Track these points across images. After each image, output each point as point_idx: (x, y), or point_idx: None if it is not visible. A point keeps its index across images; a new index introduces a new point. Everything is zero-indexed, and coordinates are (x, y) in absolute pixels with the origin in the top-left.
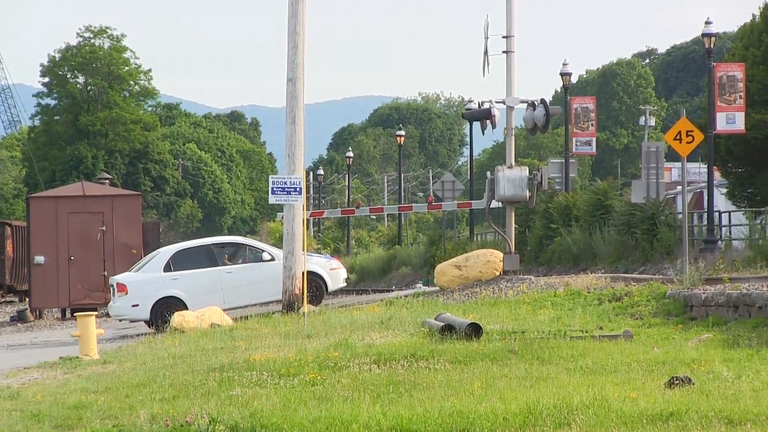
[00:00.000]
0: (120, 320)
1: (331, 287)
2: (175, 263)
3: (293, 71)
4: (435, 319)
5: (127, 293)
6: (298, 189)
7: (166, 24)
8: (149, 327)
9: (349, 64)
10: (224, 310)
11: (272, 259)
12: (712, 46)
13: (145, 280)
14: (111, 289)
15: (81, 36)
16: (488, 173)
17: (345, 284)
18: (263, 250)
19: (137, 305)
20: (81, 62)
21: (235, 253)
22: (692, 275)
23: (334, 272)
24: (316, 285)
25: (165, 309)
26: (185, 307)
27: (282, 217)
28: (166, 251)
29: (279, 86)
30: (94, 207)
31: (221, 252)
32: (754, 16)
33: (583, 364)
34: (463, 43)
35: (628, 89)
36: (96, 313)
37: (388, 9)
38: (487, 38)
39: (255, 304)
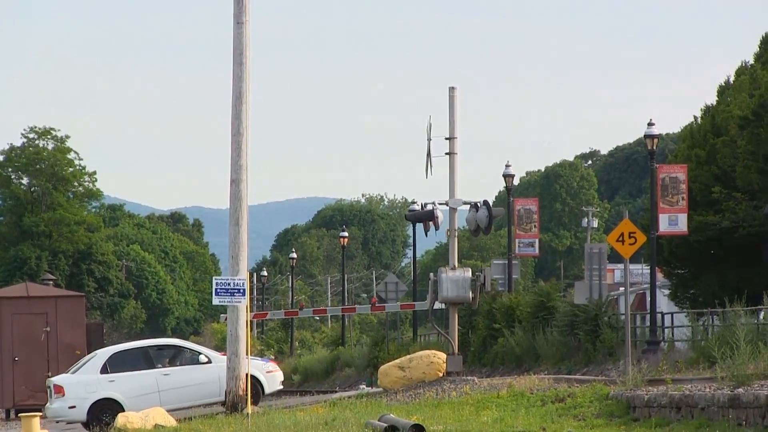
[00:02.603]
0: (57, 422)
1: (267, 390)
2: (112, 365)
3: (237, 173)
4: (378, 420)
5: (64, 395)
6: (241, 290)
7: (109, 125)
8: (87, 429)
9: (292, 165)
10: None
11: (209, 362)
12: (654, 147)
13: (82, 381)
14: (48, 390)
15: (25, 137)
16: (431, 274)
17: (281, 387)
18: (200, 353)
19: (74, 407)
20: (25, 163)
21: (172, 356)
22: (635, 376)
23: (271, 375)
24: (252, 387)
25: (102, 411)
26: (122, 409)
27: (226, 319)
28: (103, 353)
29: (222, 187)
30: (38, 308)
31: (158, 354)
32: (696, 117)
33: None
34: (407, 145)
35: (571, 190)
36: (40, 413)
37: (330, 110)
38: (429, 140)
39: (192, 407)
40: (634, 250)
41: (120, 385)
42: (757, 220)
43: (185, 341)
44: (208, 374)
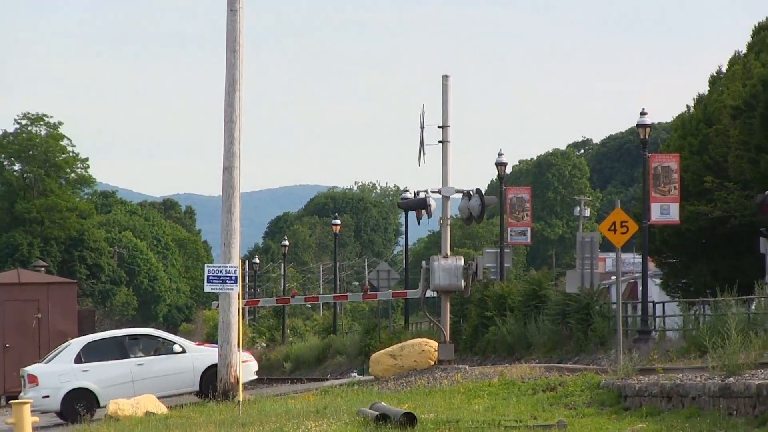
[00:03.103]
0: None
1: (241, 379)
2: (86, 355)
3: (229, 160)
4: (370, 408)
5: (37, 384)
6: (233, 278)
7: (102, 111)
8: (61, 419)
9: (285, 152)
10: None
11: (183, 351)
12: (647, 136)
13: (56, 371)
14: (22, 380)
15: (18, 123)
16: (423, 263)
17: (255, 377)
18: (174, 342)
19: (48, 396)
20: (17, 149)
21: (147, 345)
22: (626, 365)
23: (245, 365)
24: None
25: (76, 400)
26: (96, 399)
27: (217, 306)
28: (77, 342)
29: (214, 175)
30: (29, 294)
31: (132, 344)
32: (688, 107)
33: None
34: (399, 133)
35: (563, 179)
36: (31, 400)
37: (323, 97)
38: (423, 128)
39: (167, 396)
40: (626, 239)
41: (94, 375)
42: (748, 210)
43: (159, 331)
44: (182, 364)
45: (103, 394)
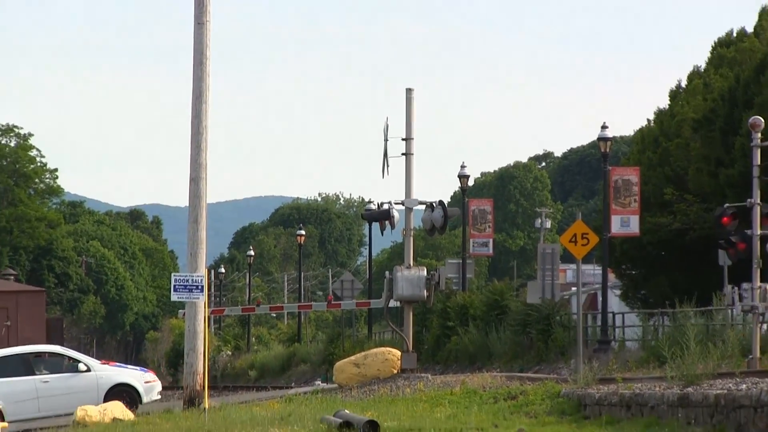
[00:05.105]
0: None
1: (145, 399)
2: None
3: (196, 171)
4: (333, 415)
5: None
6: (200, 287)
7: (70, 122)
8: None
9: (250, 163)
10: (40, 418)
11: (88, 370)
12: (608, 150)
13: None
14: None
15: None
16: (387, 273)
17: (159, 397)
18: (80, 361)
19: None
20: None
21: (52, 363)
22: (586, 375)
23: (149, 385)
24: (129, 396)
25: None
26: (1, 415)
27: (184, 315)
28: None
29: (181, 185)
30: None
31: (38, 361)
32: (649, 120)
33: None
34: (364, 145)
35: (525, 192)
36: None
37: (289, 109)
38: (386, 140)
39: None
40: (587, 250)
41: None
42: (708, 223)
43: (65, 348)
44: (87, 382)
45: (9, 410)
